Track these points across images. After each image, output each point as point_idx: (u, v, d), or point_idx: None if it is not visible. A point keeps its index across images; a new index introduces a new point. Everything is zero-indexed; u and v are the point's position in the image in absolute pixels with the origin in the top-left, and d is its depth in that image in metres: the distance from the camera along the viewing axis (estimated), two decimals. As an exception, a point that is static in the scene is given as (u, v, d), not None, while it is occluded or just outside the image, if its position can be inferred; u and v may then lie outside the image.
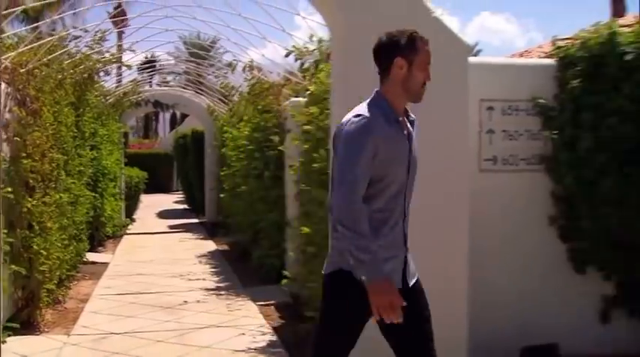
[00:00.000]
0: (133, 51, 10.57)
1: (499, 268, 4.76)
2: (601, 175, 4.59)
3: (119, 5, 12.04)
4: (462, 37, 4.15)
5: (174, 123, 37.92)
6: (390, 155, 2.71)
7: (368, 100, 2.83)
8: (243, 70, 8.36)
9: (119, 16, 12.05)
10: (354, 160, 2.67)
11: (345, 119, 2.78)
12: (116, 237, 12.01)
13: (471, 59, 4.74)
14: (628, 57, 4.57)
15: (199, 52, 17.54)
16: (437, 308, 3.95)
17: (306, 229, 5.22)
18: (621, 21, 5.99)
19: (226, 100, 12.29)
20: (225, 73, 11.61)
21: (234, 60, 9.23)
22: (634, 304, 4.82)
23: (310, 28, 6.24)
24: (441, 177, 4.03)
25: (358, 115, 2.73)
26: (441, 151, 4.04)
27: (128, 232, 13.30)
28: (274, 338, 5.48)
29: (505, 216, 4.82)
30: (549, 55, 5.10)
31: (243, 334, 5.62)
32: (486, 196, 4.70)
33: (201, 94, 14.78)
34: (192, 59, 17.01)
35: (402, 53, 2.79)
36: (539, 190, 4.83)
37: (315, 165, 5.06)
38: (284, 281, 6.13)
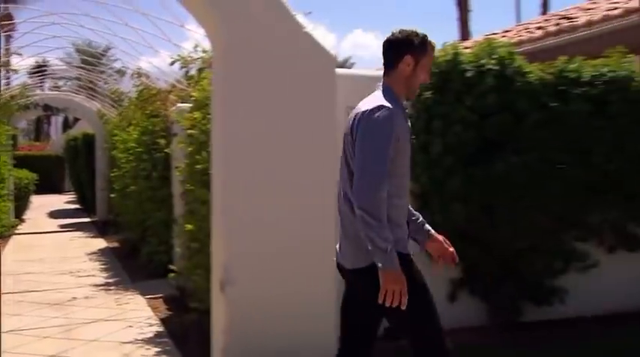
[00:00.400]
0: (20, 54, 10.06)
1: None
2: (449, 175, 4.77)
3: (6, 9, 11.43)
4: (330, 50, 4.20)
5: (66, 126, 36.27)
6: (405, 146, 2.70)
7: (380, 92, 2.76)
8: (132, 77, 8.24)
9: (5, 20, 11.44)
10: (381, 151, 2.59)
11: (362, 109, 2.68)
12: (4, 237, 11.37)
13: (340, 70, 4.87)
14: (468, 74, 4.80)
15: (90, 59, 17.00)
16: (308, 293, 4.09)
17: (189, 226, 5.20)
18: (466, 43, 6.35)
19: (116, 105, 12.03)
20: (115, 79, 11.35)
21: (123, 67, 9.07)
22: (474, 285, 5.10)
23: (196, 40, 6.23)
24: (312, 176, 4.07)
25: (380, 106, 2.64)
26: (311, 152, 4.08)
27: (17, 232, 12.55)
28: (161, 329, 5.41)
29: None
30: None
31: (131, 326, 5.51)
32: None
33: (92, 99, 14.32)
34: (84, 65, 16.46)
35: (412, 52, 2.77)
36: None
37: (198, 166, 5.06)
38: (171, 275, 6.06)
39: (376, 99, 2.69)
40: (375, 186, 2.54)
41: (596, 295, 5.44)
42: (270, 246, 3.97)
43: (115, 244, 10.69)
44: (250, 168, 3.93)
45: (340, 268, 2.90)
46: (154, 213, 7.68)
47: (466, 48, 5.37)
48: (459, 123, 4.73)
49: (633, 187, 5.38)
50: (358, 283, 2.82)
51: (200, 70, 5.88)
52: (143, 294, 6.68)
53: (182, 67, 6.16)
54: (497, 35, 12.11)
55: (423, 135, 4.82)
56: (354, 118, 2.71)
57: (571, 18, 10.06)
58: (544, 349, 4.67)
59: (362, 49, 61.52)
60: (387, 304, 2.52)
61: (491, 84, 4.77)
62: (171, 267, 6.15)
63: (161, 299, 6.44)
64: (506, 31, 12.77)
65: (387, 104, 2.63)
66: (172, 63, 6.15)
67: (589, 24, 8.86)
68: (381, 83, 2.82)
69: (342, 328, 3.01)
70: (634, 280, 5.70)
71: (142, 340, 5.10)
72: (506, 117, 4.83)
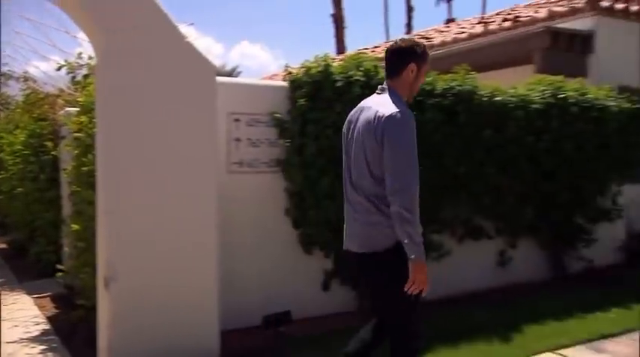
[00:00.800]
0: None
1: (245, 251, 4.87)
2: (322, 175, 4.80)
3: None
4: (211, 60, 4.15)
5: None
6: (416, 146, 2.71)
7: (387, 95, 2.79)
8: (18, 81, 7.76)
9: None
10: (412, 153, 2.66)
11: (383, 113, 2.68)
12: None
13: (221, 79, 4.83)
14: (339, 84, 4.85)
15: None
16: (189, 290, 4.02)
17: (76, 226, 4.97)
18: (340, 56, 6.47)
19: (2, 108, 11.26)
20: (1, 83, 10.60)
21: (9, 71, 8.52)
22: (344, 275, 5.14)
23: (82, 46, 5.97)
24: (193, 178, 4.02)
25: (402, 111, 2.68)
26: (193, 155, 4.03)
27: None
28: (48, 327, 5.11)
29: (250, 209, 4.91)
30: (284, 79, 5.23)
31: (17, 325, 5.15)
32: (235, 193, 4.77)
33: (-22, 102, 13.30)
34: (-33, 69, 15.21)
35: (416, 60, 2.85)
36: (277, 187, 4.96)
37: (84, 168, 4.82)
38: (59, 274, 5.77)
39: (390, 102, 2.73)
40: (411, 186, 2.63)
41: (450, 279, 5.68)
42: (152, 244, 3.88)
43: (3, 245, 9.97)
44: (131, 170, 3.82)
45: (352, 254, 2.94)
46: (42, 214, 7.24)
47: (340, 60, 5.48)
48: (330, 127, 4.76)
49: (478, 187, 5.71)
50: (363, 265, 2.87)
51: (86, 76, 5.63)
52: (30, 293, 6.27)
53: (69, 73, 5.86)
54: (368, 50, 12.53)
55: (298, 138, 4.84)
56: (375, 120, 2.70)
57: (429, 38, 10.60)
58: None
59: (249, 59, 61.50)
60: (412, 292, 2.59)
61: (358, 93, 4.77)
62: (59, 266, 5.86)
63: (49, 298, 6.08)
64: (376, 47, 13.24)
65: (404, 107, 2.71)
66: (59, 68, 5.83)
67: (443, 44, 9.39)
68: (386, 87, 2.86)
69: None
70: (479, 264, 6.09)
71: (27, 338, 4.80)
72: None
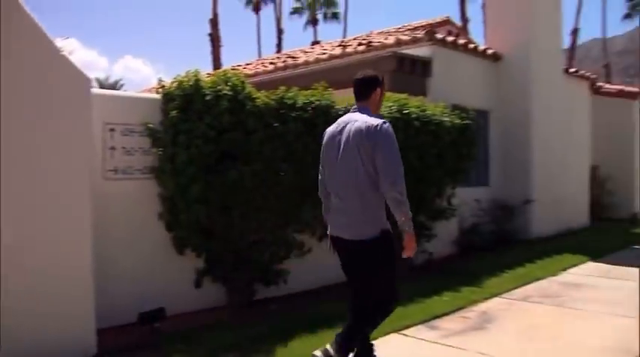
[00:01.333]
0: None
1: (122, 253, 4.91)
2: (192, 181, 4.88)
3: None
4: (85, 73, 4.19)
5: None
6: None
7: (367, 111, 3.48)
8: None
9: None
10: (398, 154, 3.31)
11: (368, 124, 3.33)
12: None
13: (97, 91, 4.90)
14: (208, 97, 4.98)
15: None
16: (66, 292, 4.04)
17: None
18: (212, 72, 6.61)
19: None
20: None
21: None
22: (215, 273, 5.31)
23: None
24: (68, 183, 4.06)
25: (384, 121, 3.36)
26: (70, 163, 4.07)
27: None
28: None
29: (126, 213, 4.97)
30: (157, 92, 5.27)
31: None
32: (110, 198, 4.83)
33: None
34: None
35: (380, 86, 3.61)
36: (150, 193, 5.02)
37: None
38: None
39: (372, 117, 3.41)
40: (402, 178, 3.26)
41: (311, 274, 6.07)
42: (30, 244, 3.88)
43: None
44: (9, 173, 3.79)
45: (339, 240, 3.49)
46: None
47: (210, 74, 5.65)
48: (200, 138, 4.87)
49: None
50: (359, 248, 3.37)
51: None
52: None
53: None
54: (241, 67, 12.83)
55: (170, 147, 4.92)
56: (366, 129, 3.32)
57: (295, 57, 11.10)
58: (271, 320, 5.04)
59: (133, 73, 59.45)
60: (409, 256, 3.32)
61: (225, 106, 5.00)
62: None
63: None
64: (248, 64, 13.55)
65: (384, 120, 3.38)
66: None
67: (306, 63, 9.92)
68: (358, 107, 3.56)
69: (348, 282, 3.63)
70: (335, 261, 6.39)
71: None
72: (239, 133, 5.10)
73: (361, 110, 3.52)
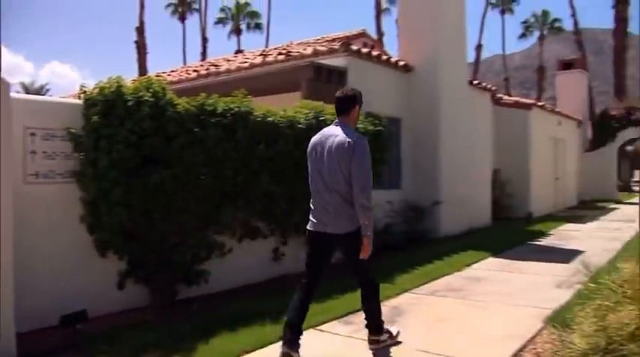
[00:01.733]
0: None
1: (43, 258, 4.83)
2: (114, 185, 4.89)
3: None
4: (5, 77, 4.08)
5: None
6: None
7: (346, 126, 3.93)
8: None
9: None
10: (370, 166, 3.80)
11: (347, 138, 3.79)
12: None
13: (17, 95, 4.78)
14: (130, 103, 4.99)
15: None
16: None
17: None
18: (136, 78, 6.54)
19: None
20: None
21: None
22: (137, 275, 5.31)
23: None
24: None
25: (360, 137, 3.85)
26: None
27: None
28: None
29: (47, 217, 4.89)
30: (79, 97, 5.21)
31: None
32: (32, 202, 4.76)
33: None
34: None
35: (358, 103, 4.07)
36: (72, 196, 4.98)
37: None
38: None
39: (352, 132, 3.88)
40: (370, 187, 3.76)
41: (232, 274, 6.16)
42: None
43: None
44: None
45: (320, 234, 3.96)
46: None
47: (135, 80, 5.61)
48: (121, 143, 4.88)
49: (254, 194, 6.21)
50: (343, 239, 3.89)
51: None
52: None
53: None
54: (166, 74, 12.73)
55: (92, 152, 4.90)
56: (346, 143, 3.79)
57: (217, 65, 11.15)
58: (192, 319, 5.05)
59: (59, 78, 56.67)
60: (363, 257, 3.80)
61: (147, 112, 5.02)
62: None
63: None
64: (173, 71, 13.46)
65: (361, 136, 3.89)
66: None
67: (228, 71, 10.00)
68: (339, 121, 4.00)
69: (310, 268, 4.09)
70: (257, 260, 6.60)
71: None
72: (160, 138, 5.14)
73: (342, 125, 3.97)
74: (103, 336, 4.59)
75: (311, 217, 4.06)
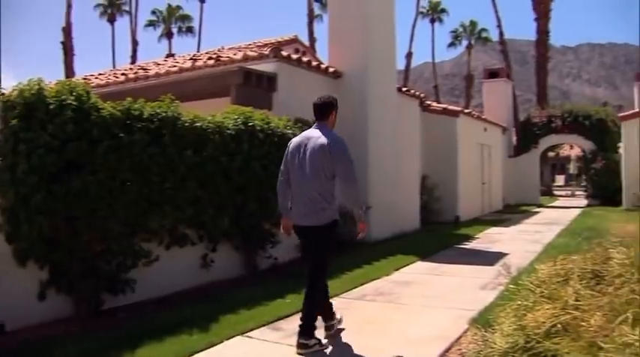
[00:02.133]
0: None
1: None
2: (34, 191, 4.80)
3: None
4: None
5: None
6: None
7: (326, 129, 4.36)
8: None
9: None
10: (353, 163, 4.25)
11: (329, 139, 4.24)
12: None
13: None
14: (51, 106, 4.92)
15: None
16: None
17: None
18: (57, 80, 6.36)
19: None
20: None
21: None
22: (60, 284, 5.19)
23: None
24: None
25: (339, 137, 4.30)
26: None
27: None
28: None
29: None
30: None
31: None
32: None
33: None
34: None
35: (335, 108, 4.54)
36: None
37: None
38: None
39: (327, 132, 4.33)
40: (357, 181, 4.27)
41: (159, 282, 6.11)
42: None
43: None
44: None
45: (302, 227, 4.41)
46: None
47: (59, 83, 5.48)
48: (42, 147, 4.80)
49: (181, 200, 6.21)
50: (317, 231, 4.33)
51: None
52: None
53: None
54: (93, 77, 12.45)
55: (10, 156, 4.80)
56: (327, 144, 4.21)
57: (147, 69, 11.04)
58: (119, 329, 5.01)
59: None
60: (363, 236, 4.46)
61: (70, 116, 4.96)
62: None
63: None
64: (100, 74, 13.18)
65: (338, 135, 4.34)
66: None
67: (157, 75, 9.93)
68: (318, 125, 4.41)
69: (303, 256, 4.86)
70: (185, 267, 6.58)
71: None
72: (84, 143, 5.08)
73: (321, 127, 4.39)
74: (23, 350, 4.47)
75: (293, 212, 4.47)
